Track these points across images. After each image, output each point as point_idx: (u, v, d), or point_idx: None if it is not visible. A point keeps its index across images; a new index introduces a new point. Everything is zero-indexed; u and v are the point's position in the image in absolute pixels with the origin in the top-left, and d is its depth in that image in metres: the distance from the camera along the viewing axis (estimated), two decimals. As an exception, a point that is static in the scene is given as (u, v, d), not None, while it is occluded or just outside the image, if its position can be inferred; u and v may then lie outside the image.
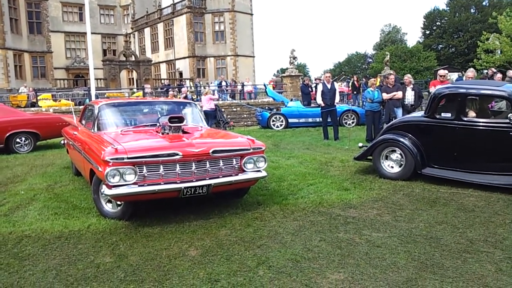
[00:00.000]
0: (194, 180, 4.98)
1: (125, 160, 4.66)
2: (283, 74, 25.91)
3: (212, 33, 43.45)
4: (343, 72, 53.42)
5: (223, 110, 18.19)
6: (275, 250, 4.23)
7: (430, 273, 3.69)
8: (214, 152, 5.08)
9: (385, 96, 10.70)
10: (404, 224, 4.93)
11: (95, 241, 4.54)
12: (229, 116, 18.99)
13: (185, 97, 20.28)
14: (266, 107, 17.47)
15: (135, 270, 3.83)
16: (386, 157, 7.18)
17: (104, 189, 4.81)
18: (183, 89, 23.01)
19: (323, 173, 7.65)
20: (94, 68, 18.89)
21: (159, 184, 4.82)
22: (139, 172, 4.74)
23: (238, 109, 19.83)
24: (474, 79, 9.85)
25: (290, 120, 15.93)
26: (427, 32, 61.57)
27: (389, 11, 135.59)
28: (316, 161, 8.78)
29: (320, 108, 12.50)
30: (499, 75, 12.35)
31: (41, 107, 20.79)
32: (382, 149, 7.21)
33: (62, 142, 8.23)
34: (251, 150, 5.43)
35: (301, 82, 21.97)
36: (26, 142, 11.61)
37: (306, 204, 5.74)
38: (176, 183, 4.89)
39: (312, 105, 16.82)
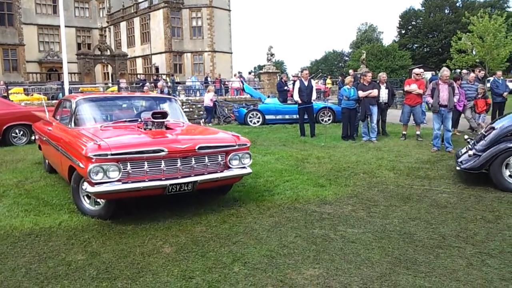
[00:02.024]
0: (179, 177, 4.88)
1: (109, 157, 4.51)
2: (261, 71, 25.90)
3: (189, 29, 43.07)
4: (320, 70, 53.74)
5: (223, 105, 18.20)
6: (251, 246, 4.22)
7: (403, 268, 3.74)
8: (200, 148, 5.00)
9: (361, 94, 10.79)
10: (378, 220, 4.99)
11: (66, 239, 4.44)
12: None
13: (161, 92, 20.06)
14: (243, 104, 17.43)
15: (107, 267, 3.75)
16: (506, 166, 6.26)
17: (87, 187, 4.63)
18: (159, 84, 22.73)
19: (299, 169, 7.67)
20: (68, 62, 18.46)
21: (144, 181, 4.69)
22: (123, 169, 4.60)
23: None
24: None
25: (267, 117, 15.94)
26: (403, 31, 62.64)
27: (366, 10, 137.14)
28: (292, 157, 8.80)
29: (297, 105, 12.55)
30: (472, 75, 12.63)
31: (12, 101, 20.20)
32: (504, 159, 6.23)
33: (34, 137, 8.02)
34: (236, 147, 5.38)
35: (278, 79, 22.00)
36: (22, 134, 11.71)
37: (282, 201, 5.75)
38: (161, 180, 4.77)
39: (289, 102, 16.85)
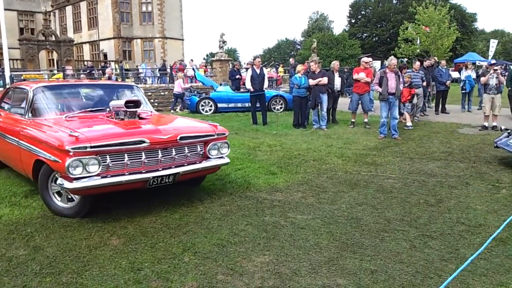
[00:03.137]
0: (160, 169, 4.70)
1: (88, 150, 4.21)
2: (213, 59, 25.65)
3: (139, 14, 41.78)
4: (272, 58, 53.91)
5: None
6: (201, 235, 4.19)
7: (350, 252, 3.85)
8: (181, 138, 4.84)
9: (311, 82, 10.93)
10: (327, 206, 5.10)
11: (7, 233, 4.24)
12: (156, 101, 18.50)
13: (109, 79, 19.46)
14: (195, 92, 17.22)
15: (51, 262, 3.62)
16: None
17: (64, 183, 4.26)
18: (107, 70, 22.03)
19: (251, 158, 7.70)
20: (9, 48, 17.49)
21: (124, 174, 4.46)
22: (103, 162, 4.33)
23: (166, 93, 19.34)
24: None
25: (219, 105, 15.84)
26: (353, 21, 63.86)
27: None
28: (244, 146, 8.81)
29: (249, 93, 12.54)
30: (417, 63, 13.09)
31: None
32: None
33: None
34: (215, 136, 5.28)
35: (230, 67, 21.89)
36: None
37: (234, 189, 5.75)
38: (141, 172, 4.57)
39: (241, 90, 16.81)
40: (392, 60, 9.97)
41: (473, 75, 15.42)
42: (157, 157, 4.70)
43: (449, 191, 5.74)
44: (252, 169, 6.77)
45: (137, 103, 5.41)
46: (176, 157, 4.87)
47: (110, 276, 3.38)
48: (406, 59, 31.58)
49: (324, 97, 11.00)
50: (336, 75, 11.72)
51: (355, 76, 11.48)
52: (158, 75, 25.98)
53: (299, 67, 11.69)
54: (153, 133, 4.75)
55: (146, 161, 4.62)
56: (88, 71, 25.18)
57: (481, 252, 3.79)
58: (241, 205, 5.10)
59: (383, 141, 9.40)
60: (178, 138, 4.81)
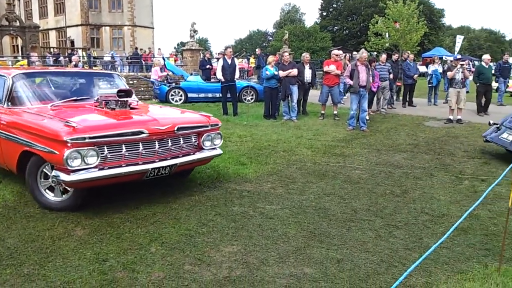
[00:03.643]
0: (156, 160, 4.61)
1: (87, 141, 4.04)
2: (184, 48, 25.32)
3: (108, 1, 40.73)
4: (244, 49, 53.66)
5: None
6: (169, 226, 4.15)
7: (317, 241, 3.89)
8: (178, 129, 4.75)
9: (281, 73, 10.94)
10: (295, 196, 5.14)
11: (-35, 224, 4.08)
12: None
13: (75, 66, 18.95)
14: (165, 81, 16.96)
15: (12, 253, 3.51)
16: None
17: (60, 175, 4.06)
18: (73, 58, 21.43)
19: (221, 148, 7.64)
20: (-31, 32, 16.73)
21: (121, 166, 4.33)
22: (101, 154, 4.18)
23: (135, 81, 18.97)
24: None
25: (189, 95, 15.64)
26: (324, 13, 64.17)
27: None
28: (214, 136, 8.75)
29: (220, 84, 12.45)
30: (383, 56, 13.29)
31: None
32: None
33: None
34: (209, 127, 5.23)
35: (201, 57, 21.66)
36: None
37: (203, 179, 5.72)
38: (138, 164, 4.45)
39: (212, 80, 16.66)
40: (363, 53, 10.09)
41: (440, 70, 15.79)
42: (154, 148, 4.60)
43: (414, 182, 5.88)
44: (222, 160, 6.73)
45: (128, 93, 5.31)
46: (172, 148, 4.80)
47: (74, 267, 3.30)
48: (375, 53, 32.01)
49: (294, 89, 11.03)
50: (307, 67, 11.76)
51: (325, 69, 11.56)
52: (127, 63, 25.47)
53: (270, 58, 11.67)
54: (150, 123, 4.63)
55: (143, 152, 4.51)
56: (55, 58, 24.46)
57: (443, 241, 3.88)
58: (210, 196, 5.08)
59: (351, 133, 9.53)
60: (175, 128, 4.73)
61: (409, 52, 16.71)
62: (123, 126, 4.49)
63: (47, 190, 4.54)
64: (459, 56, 15.51)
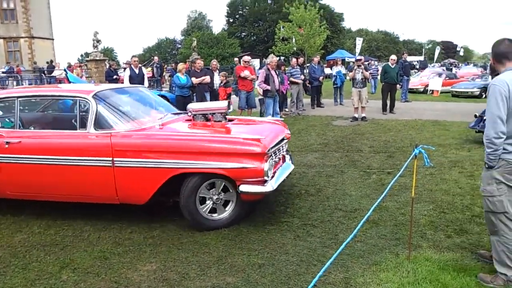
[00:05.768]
0: (280, 164, 4.91)
1: (270, 151, 4.32)
2: (87, 59, 24.16)
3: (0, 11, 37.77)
4: (152, 57, 52.49)
5: None
6: (81, 250, 3.90)
7: (238, 248, 3.87)
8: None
9: (195, 80, 10.85)
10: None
11: None
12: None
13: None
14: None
15: None
16: None
17: (251, 189, 4.11)
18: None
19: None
20: None
21: (274, 173, 4.48)
22: (270, 164, 4.36)
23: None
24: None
25: (97, 108, 14.98)
26: (231, 20, 64.97)
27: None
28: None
29: (128, 94, 12.04)
30: (294, 60, 13.76)
31: None
32: None
33: None
34: (289, 134, 5.59)
35: (107, 67, 20.82)
36: None
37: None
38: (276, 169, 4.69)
39: (121, 91, 16.07)
40: (273, 58, 10.35)
41: (343, 71, 16.66)
42: (281, 152, 5.03)
43: (327, 180, 6.10)
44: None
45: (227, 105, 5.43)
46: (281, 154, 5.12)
47: (-29, 308, 2.97)
48: (283, 58, 32.98)
49: (208, 95, 11.00)
50: (216, 73, 11.79)
51: (242, 74, 11.62)
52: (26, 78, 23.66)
53: (180, 66, 11.51)
54: (282, 130, 5.16)
55: (278, 158, 4.82)
56: None
57: (357, 235, 4.08)
58: (124, 214, 4.84)
59: (265, 136, 9.70)
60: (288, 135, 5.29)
61: (319, 56, 17.37)
62: (278, 135, 4.83)
63: (208, 214, 4.38)
64: (360, 57, 16.46)
